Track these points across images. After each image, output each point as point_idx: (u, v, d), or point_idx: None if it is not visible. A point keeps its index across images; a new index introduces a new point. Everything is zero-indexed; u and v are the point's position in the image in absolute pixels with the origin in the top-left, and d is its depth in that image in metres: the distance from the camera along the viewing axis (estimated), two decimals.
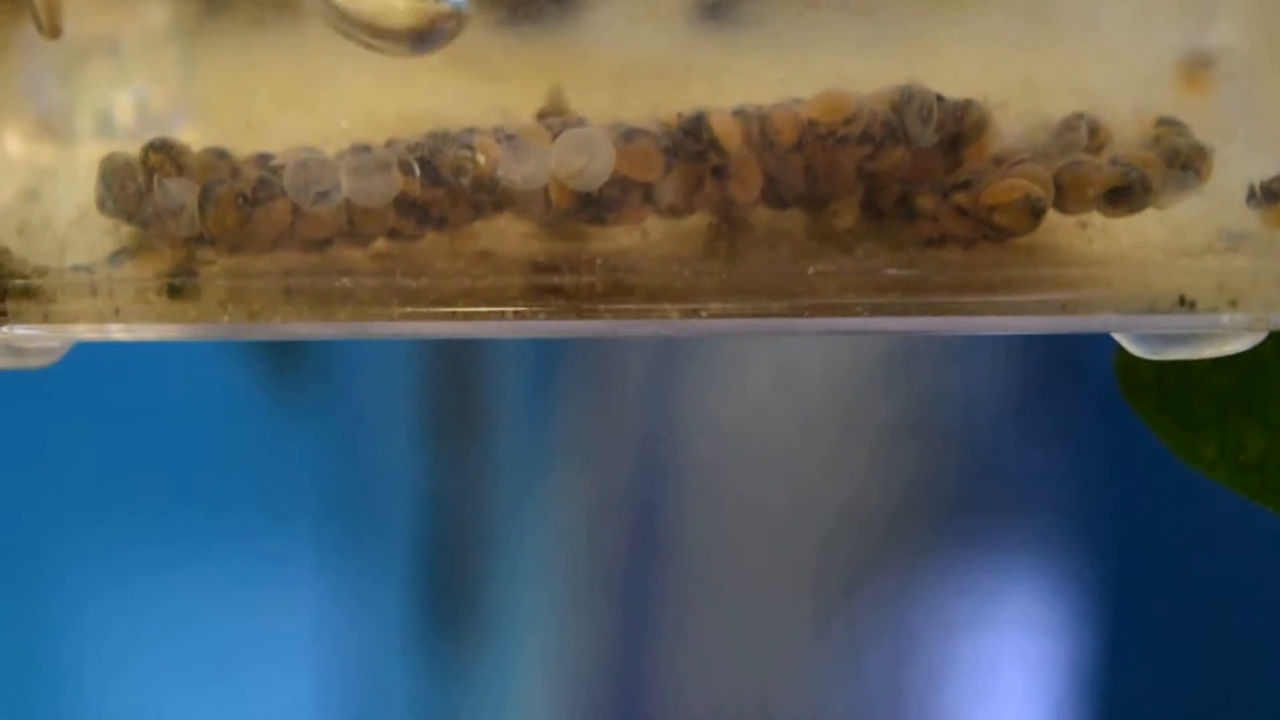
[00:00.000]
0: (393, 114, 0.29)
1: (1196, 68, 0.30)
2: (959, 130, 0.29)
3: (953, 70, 0.29)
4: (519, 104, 0.29)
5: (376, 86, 0.29)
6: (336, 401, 0.63)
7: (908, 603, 0.65)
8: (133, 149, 0.29)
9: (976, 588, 0.65)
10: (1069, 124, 0.29)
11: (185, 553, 0.63)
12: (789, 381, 0.64)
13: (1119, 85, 0.29)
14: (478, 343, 0.60)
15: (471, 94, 0.29)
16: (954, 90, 0.29)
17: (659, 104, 0.29)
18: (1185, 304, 0.29)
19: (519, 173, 0.28)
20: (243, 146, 0.30)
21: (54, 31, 0.28)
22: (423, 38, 0.28)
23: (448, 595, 0.64)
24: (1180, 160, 0.29)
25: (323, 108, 0.30)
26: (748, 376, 0.64)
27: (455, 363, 0.61)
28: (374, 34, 0.28)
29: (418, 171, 0.28)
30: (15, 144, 0.30)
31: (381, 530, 0.63)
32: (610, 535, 0.64)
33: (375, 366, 0.62)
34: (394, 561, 0.64)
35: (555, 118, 0.29)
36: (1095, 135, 0.29)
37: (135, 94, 0.30)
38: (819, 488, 0.65)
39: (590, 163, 0.28)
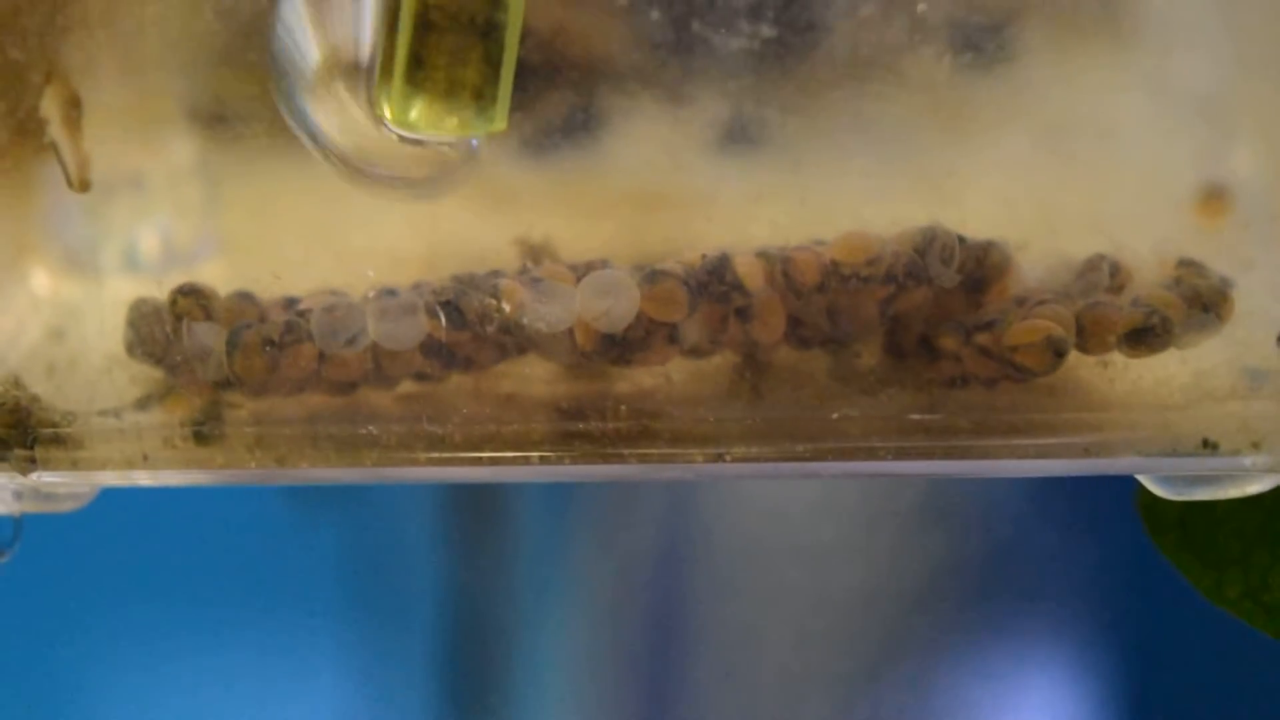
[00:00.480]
0: (414, 243, 0.30)
1: (1216, 197, 0.30)
2: (981, 271, 0.29)
3: (973, 202, 0.29)
4: (541, 234, 0.29)
5: (397, 215, 0.30)
6: (356, 493, 0.63)
7: (930, 690, 0.65)
8: (159, 289, 0.29)
9: (998, 676, 0.65)
10: (1091, 264, 0.29)
11: (206, 644, 0.63)
12: None
13: (1138, 216, 0.30)
14: None
15: (493, 224, 0.29)
16: (975, 223, 0.29)
17: (678, 233, 0.29)
18: (1208, 446, 0.29)
19: (544, 316, 0.28)
20: (266, 280, 0.30)
21: (83, 186, 0.29)
22: (432, 183, 0.28)
23: (469, 686, 0.64)
24: (1201, 302, 0.29)
25: (344, 238, 0.30)
26: None
27: None
28: (378, 176, 0.28)
29: (443, 318, 0.28)
30: (42, 281, 0.30)
31: (402, 621, 0.63)
32: (631, 625, 0.64)
33: None
34: (415, 653, 0.64)
35: (535, 269, 0.29)
36: (1116, 276, 0.29)
37: (160, 229, 0.30)
38: (840, 576, 0.65)
39: (615, 305, 0.28)
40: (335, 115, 0.28)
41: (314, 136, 0.28)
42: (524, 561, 0.63)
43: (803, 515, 0.65)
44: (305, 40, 0.28)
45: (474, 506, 0.62)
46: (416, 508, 0.63)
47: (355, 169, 0.28)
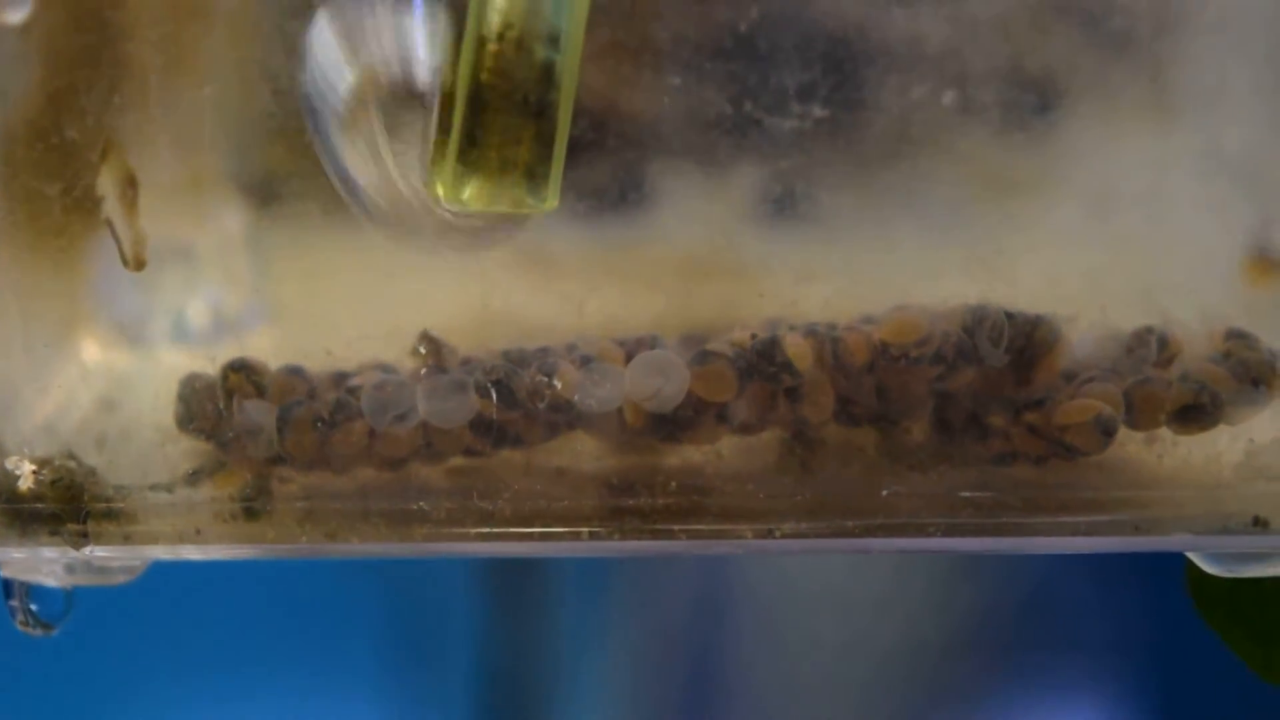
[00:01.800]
0: (465, 318, 0.30)
1: (1263, 267, 0.30)
2: (1029, 347, 0.29)
3: (1021, 276, 0.29)
4: (587, 302, 0.30)
5: (448, 288, 0.30)
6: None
7: None
8: (211, 363, 0.29)
9: None
10: (1139, 338, 0.29)
11: (244, 703, 0.63)
12: None
13: (1186, 287, 0.29)
14: None
15: (545, 298, 0.30)
16: (1024, 297, 0.29)
17: (728, 308, 0.29)
18: (1259, 524, 0.28)
19: (595, 395, 0.28)
20: (316, 353, 0.30)
21: (138, 264, 0.29)
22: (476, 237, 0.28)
23: None
24: (1250, 376, 0.29)
25: (394, 310, 0.30)
26: None
27: None
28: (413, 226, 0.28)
29: (494, 396, 0.28)
30: (93, 352, 0.31)
31: (442, 677, 0.63)
32: (669, 676, 0.64)
33: None
34: (454, 709, 0.64)
35: (435, 362, 0.29)
36: (1165, 349, 0.29)
37: (211, 302, 0.30)
38: (874, 625, 0.65)
39: (665, 385, 0.28)
40: (368, 158, 0.28)
41: (347, 184, 0.28)
42: (561, 606, 0.63)
43: (838, 565, 0.65)
44: (338, 67, 0.28)
45: (513, 562, 0.62)
46: (456, 564, 0.63)
47: (389, 217, 0.28)
